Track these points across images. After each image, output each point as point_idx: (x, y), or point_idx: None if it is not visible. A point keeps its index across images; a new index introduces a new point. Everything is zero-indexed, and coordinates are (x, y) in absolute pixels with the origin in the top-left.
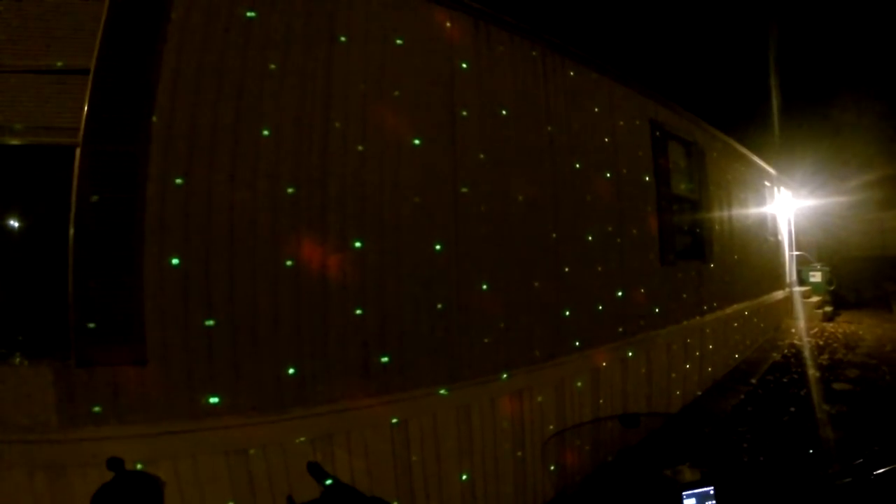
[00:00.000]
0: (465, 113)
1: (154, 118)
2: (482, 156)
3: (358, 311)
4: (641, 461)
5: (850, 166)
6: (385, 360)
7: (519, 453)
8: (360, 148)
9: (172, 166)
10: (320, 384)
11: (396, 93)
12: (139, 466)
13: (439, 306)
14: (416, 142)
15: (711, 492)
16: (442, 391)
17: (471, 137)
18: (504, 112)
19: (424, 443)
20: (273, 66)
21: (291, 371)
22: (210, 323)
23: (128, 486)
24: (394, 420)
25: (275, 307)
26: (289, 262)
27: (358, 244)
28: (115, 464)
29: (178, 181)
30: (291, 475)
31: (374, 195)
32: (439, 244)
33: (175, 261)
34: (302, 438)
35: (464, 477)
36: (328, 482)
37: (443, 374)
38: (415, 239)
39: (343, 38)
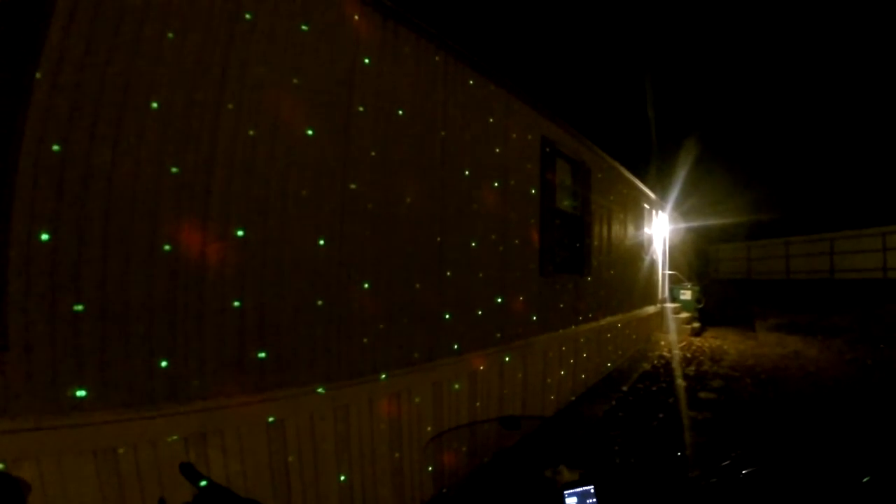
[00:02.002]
0: (361, 109)
1: (38, 74)
2: (374, 153)
3: (236, 304)
4: (519, 462)
5: (723, 197)
6: (262, 355)
7: (397, 454)
8: (251, 133)
9: (51, 130)
10: (195, 379)
11: (295, 80)
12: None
13: (320, 303)
14: (310, 132)
15: (592, 490)
16: (320, 390)
17: (365, 134)
18: (401, 112)
19: (302, 443)
20: (171, 35)
21: (164, 364)
22: (79, 308)
23: None
24: (270, 419)
25: (149, 294)
26: (167, 247)
27: (240, 233)
28: None
29: (56, 148)
30: (163, 476)
31: (262, 183)
32: (323, 239)
33: (45, 236)
34: (174, 437)
35: (342, 478)
36: (202, 483)
37: (321, 373)
38: (299, 232)
39: (249, 16)
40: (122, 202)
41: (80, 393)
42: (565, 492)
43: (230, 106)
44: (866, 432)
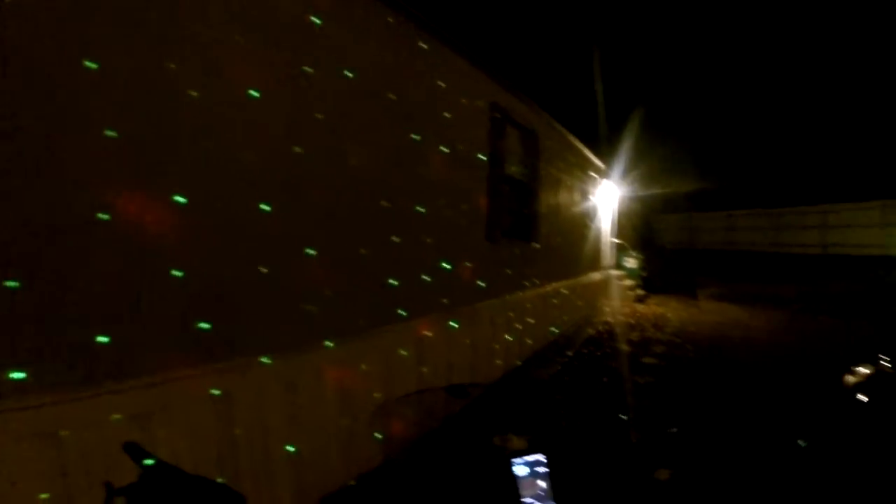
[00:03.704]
0: (310, 70)
1: None
2: (322, 116)
3: (178, 273)
4: (468, 428)
5: (669, 168)
6: (206, 326)
7: (346, 423)
8: (193, 94)
9: None
10: (137, 355)
11: (241, 39)
12: None
13: (264, 271)
14: (255, 94)
15: (542, 459)
16: (266, 360)
17: (313, 96)
18: (350, 75)
19: (249, 415)
20: None
21: (105, 340)
22: (13, 284)
23: None
24: (216, 392)
25: (86, 265)
26: (104, 215)
27: (182, 199)
28: None
29: None
30: (109, 458)
31: (205, 147)
32: (268, 205)
33: None
34: (118, 416)
35: (291, 449)
36: (148, 462)
37: (268, 343)
38: (243, 198)
39: None
40: (53, 169)
41: (18, 375)
42: (514, 460)
43: (172, 65)
44: (803, 400)
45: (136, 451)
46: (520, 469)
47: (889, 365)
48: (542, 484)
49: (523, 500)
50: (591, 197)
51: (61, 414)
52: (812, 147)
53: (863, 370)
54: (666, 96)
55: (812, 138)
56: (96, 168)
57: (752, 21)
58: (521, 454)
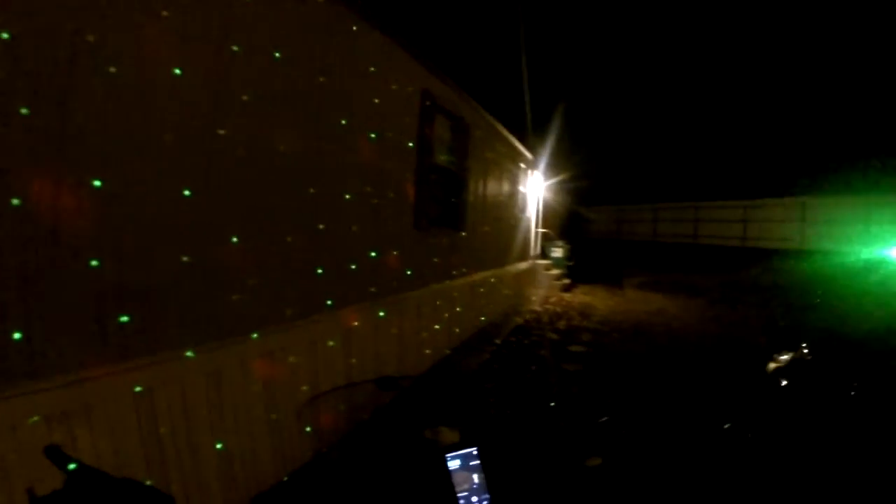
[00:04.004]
0: (236, 48)
1: None
2: (247, 97)
3: (94, 263)
4: (398, 420)
5: (596, 161)
6: (125, 319)
7: (274, 416)
8: (112, 70)
9: None
10: (53, 351)
11: (166, 13)
12: None
13: (185, 259)
14: (178, 72)
15: (475, 452)
16: (189, 354)
17: (238, 76)
18: (278, 55)
19: (173, 412)
20: None
21: (17, 336)
22: None
23: None
24: (138, 389)
25: None
26: (15, 201)
27: (97, 183)
28: None
29: None
30: (29, 463)
31: (122, 127)
32: (189, 190)
33: None
34: (36, 418)
35: (219, 445)
36: (72, 467)
37: (190, 335)
38: (162, 182)
39: None
40: None
41: None
42: (447, 455)
43: (90, 38)
44: (725, 384)
45: (57, 456)
46: (453, 463)
47: (807, 352)
48: (476, 477)
49: (458, 493)
50: (519, 187)
51: None
52: (733, 143)
53: (783, 357)
54: (591, 90)
55: (733, 134)
56: (5, 150)
57: (677, 12)
58: (453, 448)
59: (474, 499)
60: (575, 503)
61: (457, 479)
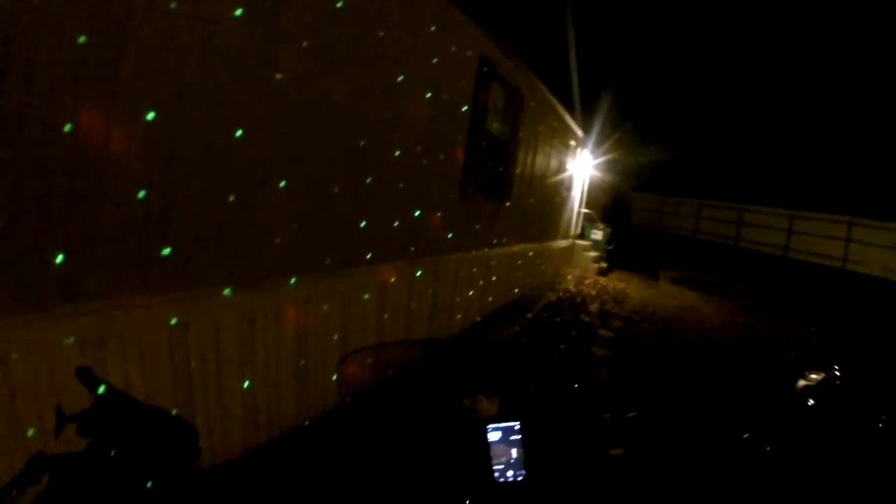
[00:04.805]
0: None
1: None
2: (307, 44)
3: (141, 194)
4: (425, 381)
5: (646, 148)
6: (167, 252)
7: (302, 362)
8: (172, 6)
9: None
10: (93, 277)
11: None
12: None
13: (232, 198)
14: (237, 12)
15: (517, 427)
16: (227, 292)
17: (299, 21)
18: (339, 5)
19: (205, 348)
20: None
21: (59, 260)
22: None
23: None
24: (173, 321)
25: (45, 179)
26: (67, 126)
27: (150, 116)
28: None
29: None
30: (60, 383)
31: (179, 63)
32: (242, 130)
33: None
34: (71, 340)
35: (245, 384)
36: (101, 390)
37: (229, 274)
38: (216, 120)
39: None
40: (15, 75)
41: None
42: (489, 426)
43: None
44: (749, 392)
45: (88, 378)
46: (493, 434)
47: (839, 374)
48: (514, 452)
49: (494, 465)
50: (566, 163)
51: (13, 335)
52: (787, 149)
53: (814, 376)
54: (648, 76)
55: (789, 140)
56: (62, 76)
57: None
58: (493, 419)
59: (509, 473)
60: (597, 489)
61: (495, 451)
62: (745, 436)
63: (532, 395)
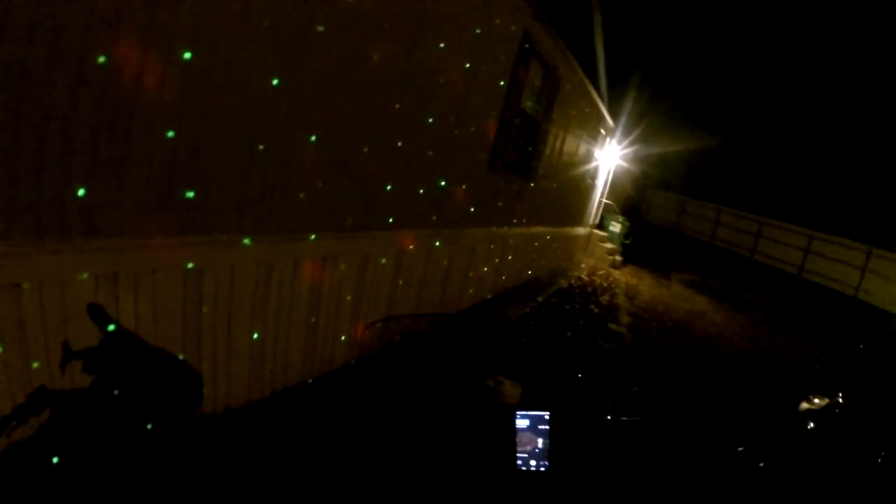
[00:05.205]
0: None
1: None
2: (350, 1)
3: (170, 134)
4: (439, 356)
5: (673, 146)
6: (190, 195)
7: (313, 320)
8: None
9: None
10: (113, 213)
11: None
12: None
13: (261, 147)
14: None
15: (547, 417)
16: (246, 241)
17: None
18: None
19: (219, 294)
20: None
21: (80, 192)
22: None
23: None
24: (189, 265)
25: (73, 109)
26: (101, 59)
27: (187, 55)
28: None
29: None
30: (69, 318)
31: (219, 3)
32: (278, 80)
33: None
34: (85, 275)
35: (255, 335)
36: (111, 328)
37: (249, 223)
38: (252, 66)
39: None
40: (52, 6)
41: None
42: (518, 413)
43: None
44: (749, 407)
45: (99, 315)
46: (522, 422)
47: (842, 401)
48: (541, 442)
49: (518, 453)
50: (593, 151)
51: (27, 265)
52: (816, 168)
53: (817, 400)
54: (693, 76)
55: (818, 158)
56: (98, 9)
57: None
58: (522, 406)
59: (532, 462)
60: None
61: (521, 438)
62: (740, 449)
63: (557, 386)
